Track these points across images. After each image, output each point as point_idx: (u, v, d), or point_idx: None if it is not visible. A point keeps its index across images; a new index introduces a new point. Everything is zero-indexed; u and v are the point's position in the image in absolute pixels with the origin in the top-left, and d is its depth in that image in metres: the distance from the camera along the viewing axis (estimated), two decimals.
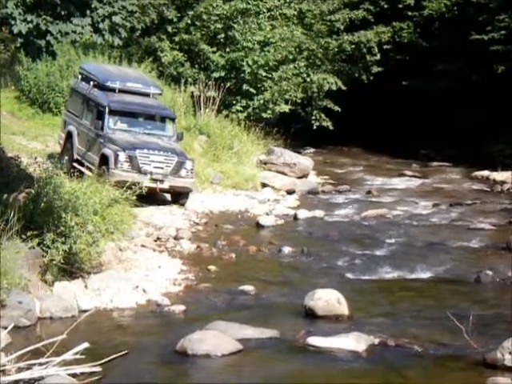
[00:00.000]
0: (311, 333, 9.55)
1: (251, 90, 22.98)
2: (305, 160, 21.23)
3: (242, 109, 22.87)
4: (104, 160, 15.37)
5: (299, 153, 22.81)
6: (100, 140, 15.79)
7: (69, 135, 16.70)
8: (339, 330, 9.71)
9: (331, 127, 25.07)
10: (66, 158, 16.42)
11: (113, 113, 15.97)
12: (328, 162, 24.91)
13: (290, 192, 19.28)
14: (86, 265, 11.00)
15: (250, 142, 21.22)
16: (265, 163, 20.47)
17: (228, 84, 22.41)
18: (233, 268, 13.00)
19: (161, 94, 17.95)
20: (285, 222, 16.42)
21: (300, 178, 20.37)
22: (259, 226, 15.87)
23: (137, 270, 11.75)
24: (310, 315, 10.31)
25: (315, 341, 9.26)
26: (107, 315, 10.11)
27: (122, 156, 15.24)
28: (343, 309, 10.38)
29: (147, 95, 16.89)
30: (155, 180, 15.34)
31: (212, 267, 12.58)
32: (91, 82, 16.63)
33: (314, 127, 25.21)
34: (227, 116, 22.22)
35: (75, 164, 15.80)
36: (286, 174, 20.13)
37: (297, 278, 12.39)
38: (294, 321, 10.19)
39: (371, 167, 24.21)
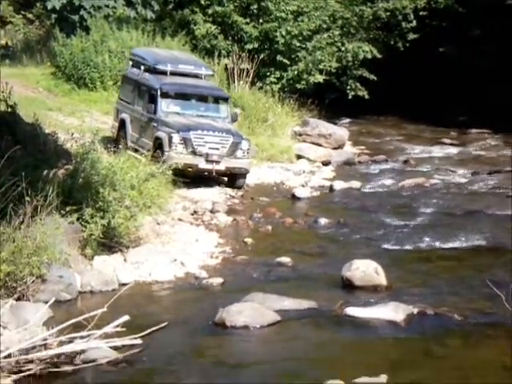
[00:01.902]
0: (349, 303, 9.56)
1: (285, 60, 22.85)
2: (340, 130, 21.12)
3: (275, 80, 22.78)
4: (158, 144, 15.19)
5: (334, 123, 22.69)
6: (153, 124, 15.60)
7: (122, 123, 16.57)
8: (377, 300, 9.71)
9: (367, 96, 24.86)
10: (121, 146, 16.29)
11: (165, 95, 15.79)
12: (364, 132, 24.73)
13: (326, 163, 19.22)
14: (124, 239, 11.12)
15: (284, 114, 21.15)
16: (300, 135, 20.40)
17: (262, 55, 22.31)
18: (269, 240, 13.02)
19: (213, 75, 17.82)
20: (320, 193, 16.40)
21: (335, 148, 20.28)
22: (295, 197, 15.88)
23: (174, 244, 11.84)
24: (348, 286, 10.31)
25: (353, 311, 9.28)
26: (146, 288, 10.23)
27: (176, 138, 15.02)
28: (381, 279, 10.37)
29: (199, 77, 16.72)
30: (211, 161, 15.13)
31: (248, 240, 12.63)
32: (142, 67, 16.52)
33: (350, 97, 25.03)
34: (261, 88, 22.15)
35: (129, 151, 15.24)
36: (321, 145, 20.06)
37: (333, 249, 12.39)
38: (331, 292, 10.19)
39: (408, 136, 23.99)
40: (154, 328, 8.40)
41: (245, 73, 21.45)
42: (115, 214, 10.75)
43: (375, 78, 24.79)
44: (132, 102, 16.62)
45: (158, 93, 15.78)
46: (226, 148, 15.28)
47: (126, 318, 8.22)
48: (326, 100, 24.82)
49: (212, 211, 14.21)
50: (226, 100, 16.50)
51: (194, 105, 16.13)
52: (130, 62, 17.51)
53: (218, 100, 16.41)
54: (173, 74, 16.37)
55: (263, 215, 14.18)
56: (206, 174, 15.33)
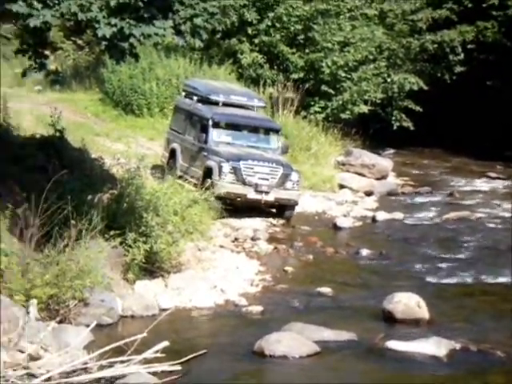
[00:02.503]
0: (390, 336, 9.44)
1: (330, 90, 22.86)
2: (384, 161, 21.00)
3: (320, 110, 22.78)
4: (208, 172, 15.20)
5: (378, 154, 22.56)
6: (204, 153, 15.61)
7: (172, 153, 16.61)
8: (419, 335, 9.57)
9: (412, 128, 24.71)
10: (170, 176, 16.32)
11: (216, 125, 15.84)
12: (408, 163, 24.54)
13: (369, 194, 19.09)
14: (166, 264, 11.16)
15: (327, 143, 21.12)
16: (343, 164, 20.34)
17: (306, 85, 22.37)
18: (310, 269, 12.96)
19: (265, 107, 17.87)
20: (363, 223, 16.28)
21: (379, 179, 20.15)
22: (336, 227, 15.80)
23: (215, 270, 11.85)
24: (389, 318, 10.19)
25: (394, 344, 9.15)
26: (186, 314, 10.23)
27: (226, 167, 15.03)
28: (423, 313, 10.22)
29: (251, 108, 16.80)
30: (260, 192, 15.08)
31: (289, 268, 12.58)
32: (194, 97, 16.61)
33: (394, 127, 24.89)
34: (305, 117, 22.16)
35: (179, 181, 15.12)
36: (364, 176, 19.95)
37: (375, 280, 12.27)
38: (371, 324, 10.09)
39: (453, 169, 23.74)
40: (193, 355, 8.39)
41: (289, 102, 21.51)
42: (157, 240, 10.81)
43: (421, 110, 24.65)
44: (183, 132, 16.66)
45: (210, 122, 15.83)
46: (276, 179, 15.23)
47: (165, 343, 8.23)
48: (371, 130, 24.71)
49: (253, 239, 14.21)
50: (277, 131, 16.49)
51: (244, 135, 16.12)
52: (183, 93, 17.60)
53: (268, 131, 16.39)
54: (225, 104, 16.43)
55: (304, 244, 14.13)
56: (256, 204, 15.24)
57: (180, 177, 15.76)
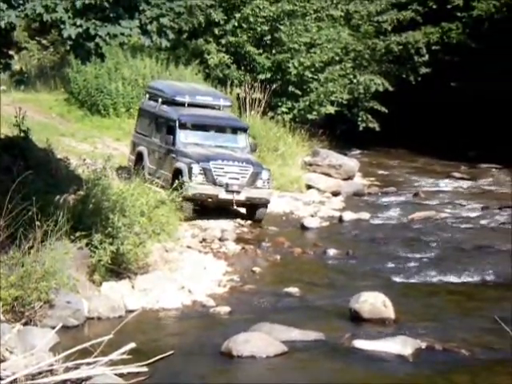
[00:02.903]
0: (356, 336, 9.50)
1: (297, 91, 22.95)
2: (350, 162, 21.12)
3: (287, 110, 22.86)
4: (177, 174, 15.09)
5: (345, 154, 22.70)
6: (172, 155, 15.53)
7: (139, 156, 16.49)
8: (385, 334, 9.64)
9: (377, 128, 24.90)
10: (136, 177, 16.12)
11: (183, 126, 15.74)
12: (374, 163, 24.72)
13: (336, 194, 19.19)
14: (132, 265, 11.10)
15: (295, 144, 21.19)
16: (310, 165, 20.42)
17: (274, 86, 22.42)
18: (278, 270, 12.99)
19: (231, 106, 17.79)
20: (330, 223, 16.36)
21: (345, 179, 20.26)
22: (304, 227, 15.84)
23: (182, 271, 11.82)
24: (356, 318, 10.25)
25: (360, 344, 9.21)
26: (153, 315, 10.19)
27: (196, 168, 14.96)
28: (389, 312, 10.30)
29: (217, 108, 16.74)
30: (231, 191, 15.01)
31: (257, 268, 12.60)
32: (159, 99, 16.49)
33: (360, 128, 25.07)
34: (272, 118, 22.21)
35: (146, 184, 14.85)
36: (331, 176, 20.05)
37: (342, 280, 12.34)
38: (339, 323, 10.14)
39: (418, 169, 23.96)
40: (160, 356, 8.36)
41: (257, 102, 21.54)
42: (124, 241, 10.75)
43: (386, 111, 24.84)
44: (149, 135, 16.53)
45: (177, 124, 15.73)
46: (246, 178, 15.19)
47: (132, 345, 8.19)
48: (337, 131, 24.85)
49: (221, 239, 14.20)
50: (244, 130, 16.44)
51: (212, 136, 16.05)
52: (147, 95, 17.45)
53: (236, 130, 16.35)
54: (191, 105, 16.35)
55: (272, 244, 14.15)
56: (227, 204, 15.18)
57: (149, 180, 15.61)
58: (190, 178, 14.89)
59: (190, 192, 14.57)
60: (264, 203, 15.50)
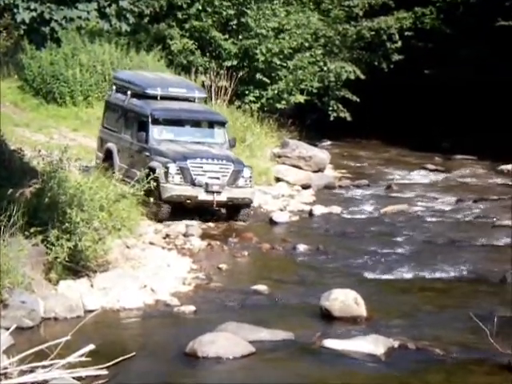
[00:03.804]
0: (327, 335, 9.56)
1: (265, 79, 22.97)
2: (321, 153, 21.19)
3: (255, 99, 22.88)
4: (152, 174, 14.87)
5: (315, 145, 22.78)
6: (145, 153, 15.06)
7: (108, 153, 16.00)
8: (356, 332, 9.71)
9: (349, 118, 25.02)
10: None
11: (157, 122, 15.32)
12: (346, 155, 24.85)
13: (306, 187, 19.26)
14: (91, 263, 11.04)
15: (263, 135, 21.22)
16: (279, 156, 20.45)
17: (240, 73, 22.41)
18: (245, 267, 13.03)
19: (206, 98, 17.45)
20: (300, 218, 16.42)
21: (316, 171, 20.33)
22: (273, 222, 15.87)
23: (145, 269, 11.78)
24: (326, 316, 10.31)
25: (331, 343, 9.27)
26: (114, 315, 10.15)
27: (173, 168, 14.51)
28: (361, 310, 10.37)
29: (192, 100, 16.40)
30: (211, 192, 14.60)
31: (223, 266, 12.60)
32: (128, 92, 16.11)
33: (331, 118, 25.17)
34: (239, 107, 22.22)
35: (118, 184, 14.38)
36: (301, 168, 20.10)
37: (312, 277, 12.38)
38: (309, 322, 10.19)
39: (391, 161, 24.14)
40: (120, 358, 8.33)
41: (223, 91, 21.53)
42: (82, 237, 10.68)
43: (358, 100, 24.97)
44: (119, 131, 16.08)
45: (149, 119, 15.30)
46: (227, 177, 14.85)
47: (91, 347, 8.15)
48: (307, 121, 24.93)
49: (185, 235, 14.16)
50: (222, 124, 16.05)
51: (188, 131, 15.69)
52: (114, 87, 16.99)
53: (213, 124, 16.04)
54: (163, 98, 15.92)
55: (239, 240, 14.14)
56: (207, 205, 14.90)
57: (119, 179, 15.27)
58: (166, 178, 14.52)
59: (167, 194, 14.35)
60: (247, 203, 15.17)
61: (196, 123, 15.95)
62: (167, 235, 14.03)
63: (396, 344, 9.38)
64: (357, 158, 24.48)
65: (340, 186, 20.08)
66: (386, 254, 13.75)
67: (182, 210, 14.86)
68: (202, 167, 14.84)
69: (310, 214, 16.81)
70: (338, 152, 24.75)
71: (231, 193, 14.89)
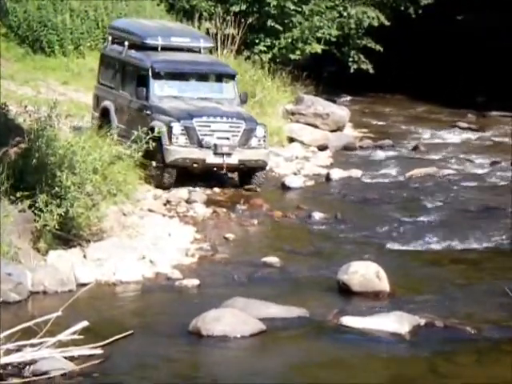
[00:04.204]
0: (345, 312, 9.61)
1: (277, 26, 22.86)
2: (340, 110, 21.17)
3: (266, 49, 22.79)
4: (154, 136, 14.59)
5: (333, 101, 22.74)
6: (146, 112, 15.01)
7: (104, 113, 15.90)
8: (378, 309, 9.77)
9: (371, 70, 24.92)
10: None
11: (158, 76, 15.23)
12: (367, 112, 24.79)
13: (322, 148, 19.27)
14: (84, 231, 11.12)
15: (275, 89, 21.16)
16: (292, 114, 20.42)
17: (250, 19, 22.28)
18: (255, 236, 13.08)
19: (213, 47, 17.39)
20: (315, 182, 16.46)
21: (334, 131, 20.33)
22: (285, 187, 15.91)
23: (143, 238, 11.84)
24: (344, 291, 10.36)
25: (350, 321, 9.32)
26: (109, 290, 10.23)
27: (177, 127, 14.45)
28: (383, 284, 10.42)
29: (197, 50, 16.27)
30: (221, 154, 14.51)
31: (230, 235, 12.65)
32: (126, 43, 16.02)
33: (352, 70, 25.10)
34: (248, 58, 22.15)
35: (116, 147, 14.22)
36: (317, 127, 20.09)
37: (329, 248, 12.43)
38: (325, 298, 10.24)
39: (418, 118, 24.08)
40: (116, 336, 8.41)
41: (230, 40, 21.42)
42: (74, 202, 10.73)
43: (381, 49, 24.82)
44: (116, 87, 16.01)
45: (150, 73, 15.20)
46: (238, 136, 14.76)
47: (84, 323, 8.23)
48: (324, 74, 24.85)
49: (188, 201, 14.21)
50: (232, 77, 15.91)
51: (193, 85, 15.61)
52: (109, 38, 16.90)
53: (222, 77, 15.97)
54: (165, 48, 15.85)
55: (248, 207, 14.19)
56: (216, 169, 14.88)
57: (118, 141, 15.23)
58: (169, 139, 14.49)
59: (171, 157, 14.32)
60: (261, 166, 15.07)
61: (202, 77, 15.88)
62: (168, 201, 14.09)
63: (422, 322, 9.43)
64: (380, 115, 24.41)
65: (361, 147, 20.08)
66: (411, 223, 13.77)
67: (185, 175, 14.88)
68: (209, 126, 14.75)
69: (327, 178, 16.82)
70: (359, 109, 24.68)
71: (243, 154, 14.80)
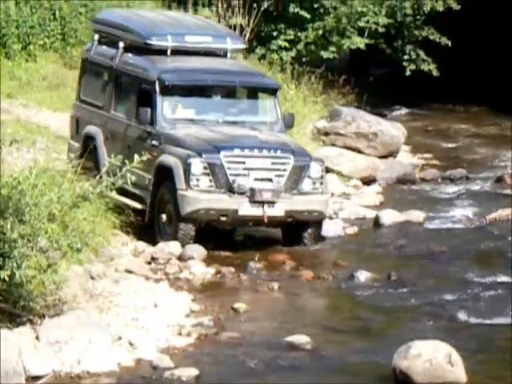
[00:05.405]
0: None
1: (303, 13, 23.02)
2: (392, 128, 21.25)
3: (287, 45, 22.95)
4: (163, 177, 14.55)
5: (383, 116, 22.83)
6: (151, 142, 14.88)
7: (88, 143, 15.64)
8: None
9: (435, 73, 25.02)
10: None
11: (168, 91, 15.10)
12: (431, 130, 24.88)
13: (368, 181, 19.36)
14: (37, 303, 11.14)
15: (301, 100, 21.32)
16: (326, 134, 20.53)
17: (265, 4, 22.48)
18: (275, 307, 13.10)
19: (244, 50, 17.39)
20: (359, 229, 16.51)
21: (384, 157, 20.42)
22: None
23: (119, 311, 11.88)
24: (403, 383, 10.32)
25: None
26: None
27: (198, 165, 14.33)
28: (457, 373, 10.39)
29: (222, 54, 16.18)
30: (260, 202, 14.49)
31: (241, 305, 12.68)
32: (120, 44, 15.93)
33: (408, 73, 25.22)
34: (263, 57, 22.35)
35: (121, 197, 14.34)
36: (360, 152, 20.19)
37: (380, 322, 12.47)
38: None
39: (503, 138, 24.11)
40: None
41: (237, 32, 21.59)
42: (22, 262, 10.77)
43: (449, 44, 24.94)
44: (105, 106, 15.89)
45: (157, 87, 15.07)
46: (285, 177, 14.75)
47: None
48: (370, 78, 24.95)
49: (181, 258, 14.26)
50: (273, 92, 15.81)
51: (218, 104, 15.58)
52: (96, 36, 16.63)
53: (258, 93, 16.01)
54: (177, 52, 15.77)
55: (266, 265, 14.24)
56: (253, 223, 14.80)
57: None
58: (187, 182, 14.41)
59: (189, 207, 14.20)
60: (316, 219, 15.01)
61: (230, 92, 15.82)
62: (153, 259, 14.14)
63: None
64: (448, 134, 24.49)
65: (422, 180, 20.16)
66: (494, 285, 13.78)
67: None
68: (243, 163, 14.69)
69: (376, 223, 16.90)
70: (419, 126, 24.78)
71: (292, 203, 14.73)
